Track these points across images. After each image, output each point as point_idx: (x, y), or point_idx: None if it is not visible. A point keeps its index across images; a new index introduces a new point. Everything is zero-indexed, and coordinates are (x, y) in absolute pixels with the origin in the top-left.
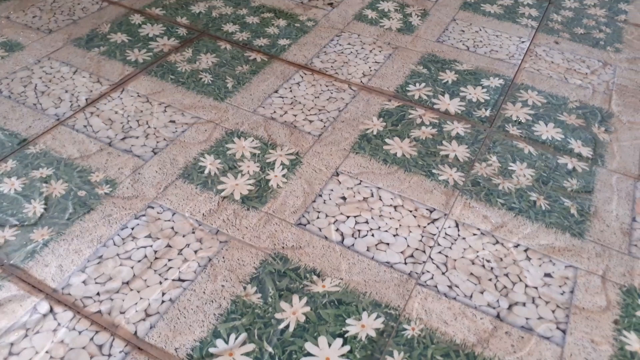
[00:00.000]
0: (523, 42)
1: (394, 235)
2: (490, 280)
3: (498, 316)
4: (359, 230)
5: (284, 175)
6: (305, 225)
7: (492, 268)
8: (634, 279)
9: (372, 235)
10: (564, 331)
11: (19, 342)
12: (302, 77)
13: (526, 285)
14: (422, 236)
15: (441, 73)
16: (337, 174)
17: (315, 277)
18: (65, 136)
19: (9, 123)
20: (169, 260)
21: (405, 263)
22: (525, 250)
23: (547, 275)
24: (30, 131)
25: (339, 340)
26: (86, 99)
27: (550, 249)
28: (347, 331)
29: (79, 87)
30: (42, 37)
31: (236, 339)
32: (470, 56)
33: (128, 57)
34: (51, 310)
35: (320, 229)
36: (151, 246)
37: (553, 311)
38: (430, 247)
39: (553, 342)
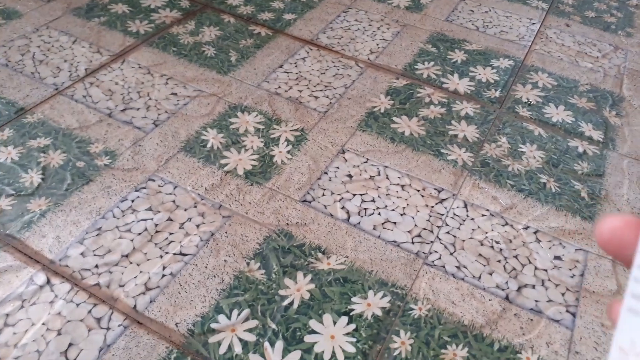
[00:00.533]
0: (533, 23)
1: (401, 215)
2: (499, 261)
3: (507, 298)
4: (365, 209)
5: (288, 152)
6: (310, 202)
7: (501, 249)
8: None
9: (379, 214)
10: (573, 314)
11: (14, 313)
12: (307, 53)
13: (536, 268)
14: (430, 216)
15: (450, 52)
16: (343, 152)
17: (320, 255)
18: (64, 106)
19: (5, 91)
20: (170, 234)
21: (413, 242)
22: (535, 233)
23: (557, 257)
24: (27, 100)
25: (344, 319)
26: (86, 69)
27: (560, 232)
28: (352, 309)
29: (78, 57)
30: (41, 6)
31: (239, 314)
32: (479, 36)
33: (129, 28)
34: (48, 281)
35: (325, 207)
36: (152, 219)
37: (563, 294)
38: (438, 227)
39: (563, 325)
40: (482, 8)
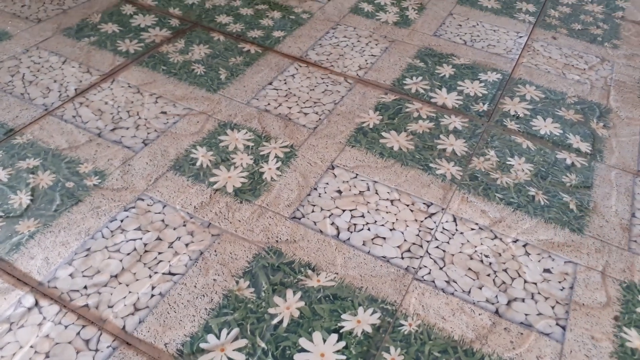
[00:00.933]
0: (521, 37)
1: (391, 230)
2: (488, 275)
3: (497, 312)
4: (354, 224)
5: (278, 168)
6: (299, 218)
7: (490, 263)
8: (634, 274)
9: (368, 229)
10: (563, 327)
11: (2, 336)
12: (297, 70)
13: (525, 281)
14: (419, 230)
15: (438, 67)
16: (333, 167)
17: (309, 272)
18: (53, 126)
19: None
20: (159, 253)
21: (402, 258)
22: (524, 246)
23: (547, 270)
24: (17, 121)
25: (334, 336)
26: (75, 89)
27: (549, 245)
28: (342, 327)
29: (68, 77)
30: (31, 27)
31: (228, 334)
32: (467, 50)
33: (119, 48)
34: (36, 303)
35: (315, 223)
36: (141, 239)
37: (553, 307)
38: (428, 241)
39: (553, 339)
40: (469, 22)
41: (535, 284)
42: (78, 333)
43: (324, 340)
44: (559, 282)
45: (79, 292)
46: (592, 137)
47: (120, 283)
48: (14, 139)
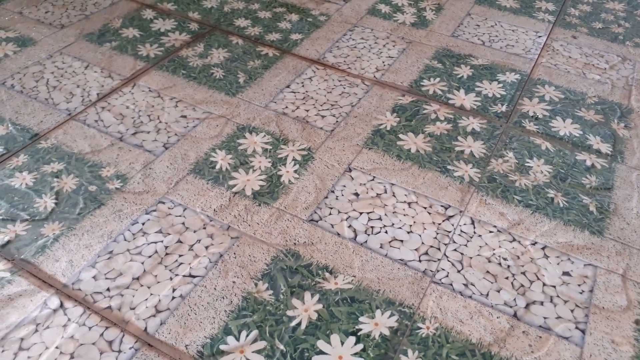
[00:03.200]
0: (540, 36)
1: (408, 232)
2: (507, 278)
3: (515, 315)
4: (372, 227)
5: (295, 171)
6: (317, 221)
7: (508, 266)
8: None
9: (386, 232)
10: (583, 331)
11: (29, 337)
12: (314, 72)
13: (544, 284)
14: (437, 233)
15: (456, 68)
16: (350, 170)
17: (327, 274)
18: (76, 131)
19: (20, 118)
20: (180, 255)
21: (420, 261)
22: (543, 248)
23: (566, 273)
24: (41, 126)
25: (352, 339)
26: (97, 94)
27: (568, 247)
28: (360, 329)
29: (90, 81)
30: (54, 32)
31: (247, 336)
32: (485, 51)
33: (139, 52)
34: (61, 305)
35: (332, 226)
36: (162, 241)
37: (572, 310)
38: (446, 244)
39: (572, 342)
40: (487, 22)
41: (554, 287)
42: (102, 334)
43: (342, 343)
44: (579, 285)
45: (102, 294)
46: (612, 138)
47: (142, 285)
48: (38, 144)
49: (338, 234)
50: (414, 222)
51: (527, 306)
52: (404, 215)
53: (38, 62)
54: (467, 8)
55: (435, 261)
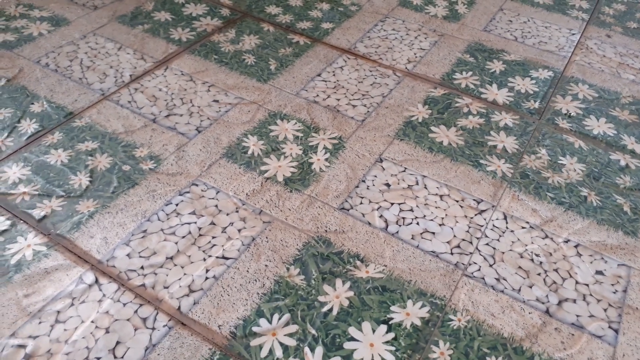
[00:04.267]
0: (573, 34)
1: (440, 225)
2: (539, 274)
3: (547, 311)
4: (403, 218)
5: (326, 159)
6: (348, 210)
7: (541, 262)
8: None
9: (417, 223)
10: (616, 330)
11: (65, 310)
12: (345, 62)
13: (577, 282)
14: (469, 227)
15: (488, 62)
16: (381, 160)
17: (358, 263)
18: (110, 111)
19: (55, 96)
20: (213, 237)
21: (452, 253)
22: (576, 246)
23: (599, 272)
24: (76, 105)
25: (383, 327)
26: (130, 75)
27: (601, 246)
28: (391, 318)
29: (123, 63)
30: (88, 13)
31: (279, 319)
32: (518, 47)
33: (172, 36)
34: (96, 281)
35: (363, 215)
36: (195, 223)
37: (605, 310)
38: (478, 238)
39: (605, 341)
40: (520, 18)
41: (587, 285)
42: (136, 311)
43: (373, 331)
44: (612, 284)
45: (136, 271)
46: None
47: (175, 265)
48: (73, 122)
49: (369, 224)
50: (446, 214)
51: (559, 303)
52: (436, 207)
53: (72, 42)
54: (500, 3)
55: (467, 254)
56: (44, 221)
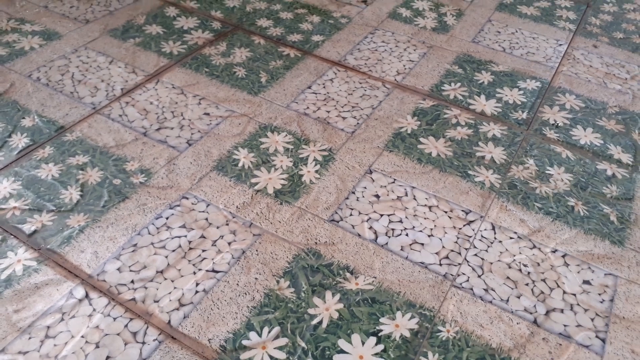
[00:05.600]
0: (560, 45)
1: (429, 236)
2: (527, 285)
3: (535, 322)
4: (392, 229)
5: (316, 171)
6: (338, 221)
7: (529, 273)
8: None
9: (406, 234)
10: (603, 340)
11: (55, 325)
12: (335, 74)
13: (564, 292)
14: (458, 238)
15: (477, 73)
16: (371, 172)
17: (348, 274)
18: (101, 125)
19: (46, 110)
20: (203, 250)
21: (440, 264)
22: (564, 256)
23: (586, 282)
24: (67, 119)
25: (373, 339)
26: (122, 89)
27: (589, 256)
28: (381, 330)
29: (114, 76)
30: (79, 27)
31: (269, 332)
32: (506, 57)
33: (163, 49)
34: (87, 295)
35: (353, 226)
36: (185, 236)
37: (592, 319)
38: (466, 249)
39: (592, 351)
40: (508, 29)
41: (575, 295)
42: (126, 325)
43: (363, 343)
44: (599, 294)
45: (126, 286)
46: (633, 148)
47: (165, 278)
48: (64, 136)
49: (359, 235)
50: (435, 225)
51: (547, 313)
52: (425, 218)
53: (63, 56)
54: (488, 14)
55: (455, 265)
56: (35, 236)
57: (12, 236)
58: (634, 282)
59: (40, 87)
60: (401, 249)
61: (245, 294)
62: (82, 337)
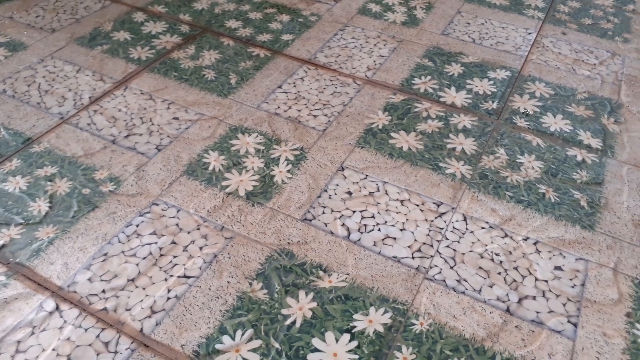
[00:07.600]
0: (529, 33)
1: (401, 230)
2: (499, 274)
3: (508, 310)
4: (365, 225)
5: (288, 171)
6: (310, 220)
7: (501, 262)
8: None
9: (379, 230)
10: (575, 325)
11: (25, 339)
12: (305, 72)
13: (536, 279)
14: (430, 230)
15: (447, 66)
16: (342, 169)
17: (321, 273)
18: (69, 134)
19: (13, 122)
20: (174, 257)
21: (413, 257)
22: (535, 244)
23: (558, 268)
24: (34, 130)
25: (347, 336)
26: (89, 97)
27: (560, 242)
28: (354, 326)
29: (82, 85)
30: (45, 37)
31: (242, 335)
32: (476, 48)
33: (131, 55)
34: (57, 307)
35: (326, 224)
36: (156, 243)
37: (564, 304)
38: (438, 241)
39: (564, 336)
40: (478, 20)
41: (547, 281)
42: (98, 336)
43: (337, 340)
44: (570, 279)
45: (97, 296)
46: (603, 133)
47: (137, 286)
48: (31, 148)
49: (331, 233)
50: (407, 219)
51: (519, 301)
52: (397, 213)
53: (29, 67)
54: (457, 6)
55: (428, 258)
56: (3, 250)
57: None
58: (605, 266)
59: (6, 99)
60: (374, 245)
61: (218, 297)
62: (54, 349)
